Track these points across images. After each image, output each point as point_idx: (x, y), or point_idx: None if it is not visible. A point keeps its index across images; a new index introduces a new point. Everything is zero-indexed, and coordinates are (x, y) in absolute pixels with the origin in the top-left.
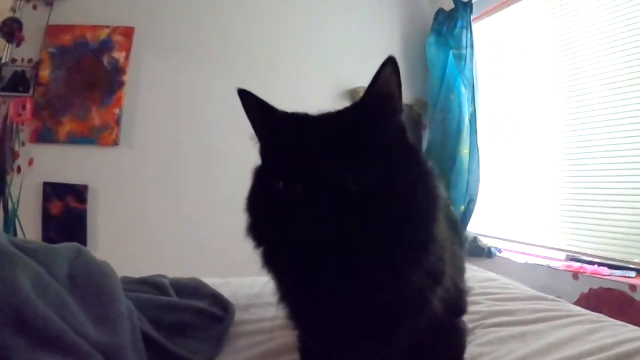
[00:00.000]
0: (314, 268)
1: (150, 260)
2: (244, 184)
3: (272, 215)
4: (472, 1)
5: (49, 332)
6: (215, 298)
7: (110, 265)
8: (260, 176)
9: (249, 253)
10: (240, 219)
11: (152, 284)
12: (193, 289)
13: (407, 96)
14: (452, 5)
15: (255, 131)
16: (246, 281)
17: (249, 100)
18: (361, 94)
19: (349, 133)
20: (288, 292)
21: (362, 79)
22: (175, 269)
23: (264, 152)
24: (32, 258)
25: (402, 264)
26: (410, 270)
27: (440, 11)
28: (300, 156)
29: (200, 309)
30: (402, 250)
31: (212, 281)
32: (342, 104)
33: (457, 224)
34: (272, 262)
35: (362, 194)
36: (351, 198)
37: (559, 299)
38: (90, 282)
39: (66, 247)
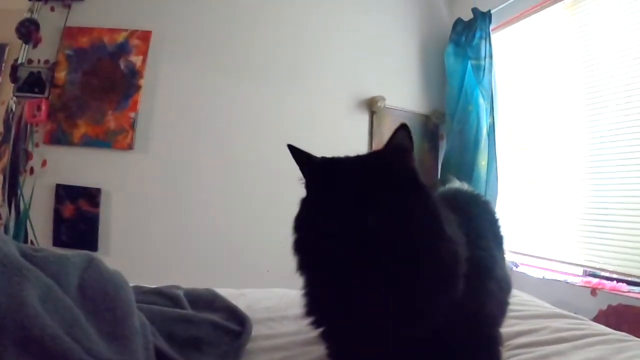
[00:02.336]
0: (340, 292)
1: (163, 266)
2: (258, 190)
3: (312, 241)
4: (491, 11)
5: (58, 352)
6: (232, 311)
7: (123, 276)
8: (305, 207)
9: (266, 263)
10: (255, 226)
11: (166, 296)
12: (208, 301)
13: (424, 106)
14: (471, 16)
15: (302, 173)
16: (262, 293)
17: (296, 152)
18: (379, 103)
19: (371, 180)
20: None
21: (380, 89)
22: (188, 276)
23: (307, 189)
24: (42, 268)
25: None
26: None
27: (458, 21)
28: (333, 200)
29: (216, 323)
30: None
31: (227, 292)
32: (360, 113)
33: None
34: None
35: (379, 232)
36: (371, 235)
37: (580, 317)
38: (103, 294)
39: (78, 256)
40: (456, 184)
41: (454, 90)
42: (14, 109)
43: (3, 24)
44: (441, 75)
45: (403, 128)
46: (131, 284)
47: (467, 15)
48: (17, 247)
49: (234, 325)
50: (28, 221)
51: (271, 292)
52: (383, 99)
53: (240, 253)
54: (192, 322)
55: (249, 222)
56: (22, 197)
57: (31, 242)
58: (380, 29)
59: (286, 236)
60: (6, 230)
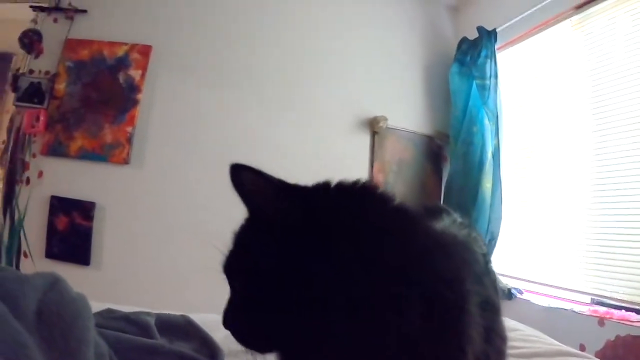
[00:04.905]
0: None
1: (155, 283)
2: None
3: None
4: (497, 30)
5: None
6: (205, 341)
7: (86, 301)
8: None
9: None
10: None
11: (135, 323)
12: (181, 329)
13: (428, 127)
14: (477, 35)
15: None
16: None
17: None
18: (380, 123)
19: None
20: None
21: (382, 108)
22: (180, 294)
23: None
24: None
25: None
26: None
27: (464, 40)
28: None
29: (184, 355)
30: None
31: (209, 318)
32: (361, 133)
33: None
34: None
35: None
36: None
37: (586, 355)
38: (59, 320)
39: (40, 277)
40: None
41: (458, 110)
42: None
43: (10, 33)
44: (445, 95)
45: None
46: (108, 306)
47: (473, 34)
48: None
49: (204, 357)
50: (22, 231)
51: None
52: (385, 119)
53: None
54: (159, 353)
55: None
56: (17, 206)
57: (24, 252)
58: (384, 47)
59: None
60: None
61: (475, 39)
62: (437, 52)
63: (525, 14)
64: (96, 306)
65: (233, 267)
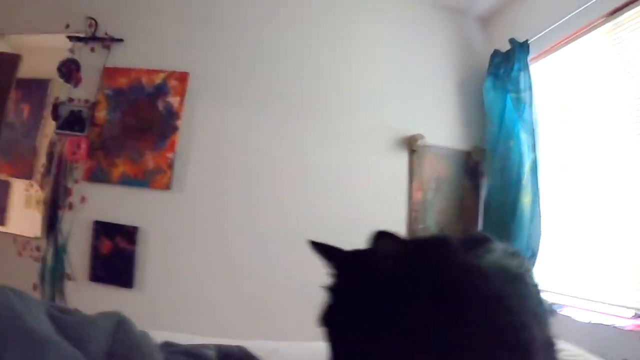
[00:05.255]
0: None
1: (197, 306)
2: (294, 234)
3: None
4: (529, 41)
5: None
6: None
7: (149, 339)
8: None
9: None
10: (290, 271)
11: (195, 357)
12: None
13: (464, 143)
14: (508, 46)
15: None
16: (298, 348)
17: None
18: (418, 142)
19: None
20: None
21: (418, 126)
22: (222, 318)
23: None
24: (68, 334)
25: None
26: None
27: (496, 53)
28: None
29: None
30: None
31: (258, 346)
32: (398, 152)
33: None
34: None
35: None
36: None
37: None
38: None
39: (107, 319)
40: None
41: (494, 125)
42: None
43: (46, 61)
44: (481, 109)
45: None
46: (152, 330)
47: (504, 46)
48: (45, 309)
49: None
50: (66, 255)
51: (308, 347)
52: (422, 137)
53: (274, 297)
54: None
55: (286, 265)
56: (61, 231)
57: (68, 275)
58: (416, 65)
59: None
60: (44, 263)
61: (508, 51)
62: (469, 66)
63: (557, 23)
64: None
65: (337, 319)
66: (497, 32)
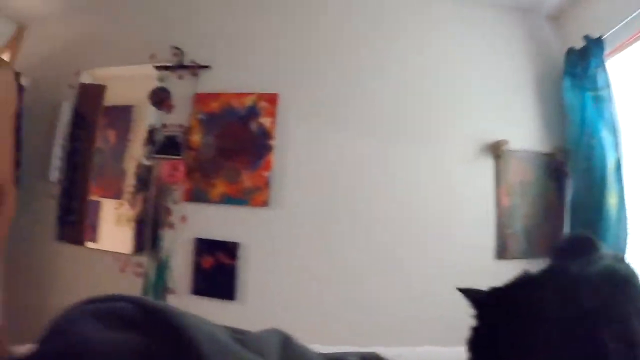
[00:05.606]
0: None
1: (298, 316)
2: (393, 247)
3: None
4: (604, 37)
5: None
6: None
7: (310, 350)
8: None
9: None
10: (391, 279)
11: None
12: None
13: (547, 145)
14: (582, 43)
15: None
16: (419, 354)
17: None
18: (502, 147)
19: None
20: None
21: (501, 131)
22: (320, 328)
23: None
24: (251, 349)
25: None
26: None
27: (571, 51)
28: None
29: None
30: None
31: (380, 352)
32: (485, 158)
33: None
34: None
35: None
36: None
37: None
38: None
39: (273, 335)
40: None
41: (575, 125)
42: (146, 164)
43: (130, 88)
44: (560, 109)
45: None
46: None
47: (578, 43)
48: (229, 333)
49: None
50: (168, 270)
51: (422, 352)
52: (506, 142)
53: (373, 306)
54: None
55: (383, 275)
56: (163, 248)
57: (170, 290)
58: (493, 69)
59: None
60: (146, 278)
61: (582, 49)
62: (545, 65)
63: (632, 16)
64: None
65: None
66: (569, 29)
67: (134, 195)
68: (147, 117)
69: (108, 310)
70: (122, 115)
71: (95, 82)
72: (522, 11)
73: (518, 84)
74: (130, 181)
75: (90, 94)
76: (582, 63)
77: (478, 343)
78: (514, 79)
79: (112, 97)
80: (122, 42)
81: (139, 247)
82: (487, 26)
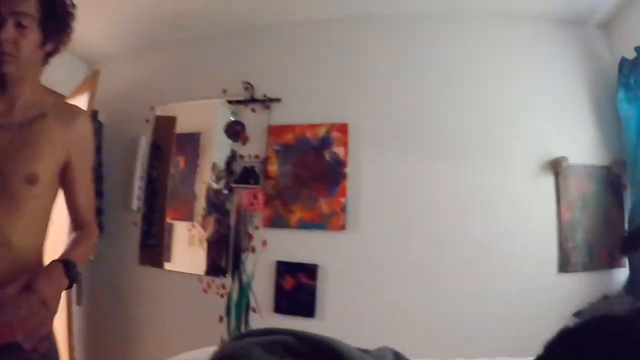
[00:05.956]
0: None
1: (375, 333)
2: (465, 263)
3: None
4: None
5: None
6: None
7: None
8: None
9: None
10: (464, 298)
11: None
12: None
13: (604, 157)
14: (634, 54)
15: None
16: None
17: None
18: (563, 164)
19: None
20: None
21: (560, 146)
22: (399, 346)
23: None
24: None
25: None
26: None
27: (623, 61)
28: None
29: None
30: None
31: None
32: (542, 175)
33: None
34: None
35: None
36: None
37: None
38: None
39: (387, 351)
40: None
41: (631, 137)
42: (214, 187)
43: (197, 115)
44: (615, 121)
45: None
46: None
47: (630, 53)
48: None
49: None
50: (250, 291)
51: None
52: (566, 158)
53: (448, 321)
54: None
55: (456, 291)
56: (245, 271)
57: (253, 308)
58: (548, 84)
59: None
60: (229, 298)
61: (634, 59)
62: (598, 77)
63: None
64: None
65: None
66: (619, 37)
67: (204, 218)
68: (223, 148)
69: (274, 342)
70: (190, 141)
71: (170, 115)
72: (572, 23)
73: (573, 98)
74: (201, 204)
75: (164, 125)
76: (635, 74)
77: None
78: (570, 93)
79: (181, 125)
80: (193, 77)
81: (218, 269)
82: (542, 41)
